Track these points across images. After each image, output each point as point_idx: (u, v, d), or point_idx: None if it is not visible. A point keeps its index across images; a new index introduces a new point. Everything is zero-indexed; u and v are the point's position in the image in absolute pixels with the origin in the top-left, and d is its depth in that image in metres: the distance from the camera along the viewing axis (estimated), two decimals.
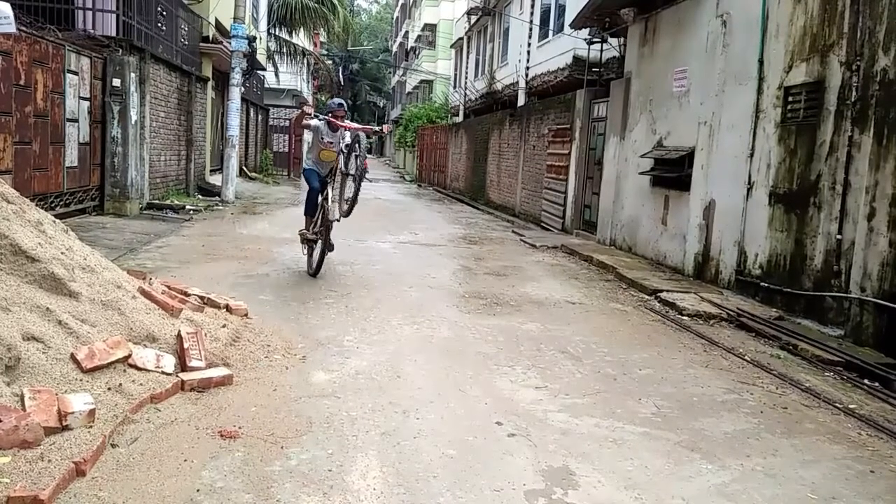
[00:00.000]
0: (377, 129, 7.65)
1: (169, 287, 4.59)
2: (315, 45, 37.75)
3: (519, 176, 16.44)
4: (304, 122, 7.09)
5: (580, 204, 12.54)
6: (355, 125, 7.12)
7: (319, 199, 6.88)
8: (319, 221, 6.85)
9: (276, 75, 27.77)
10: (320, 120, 6.85)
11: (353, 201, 6.61)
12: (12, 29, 4.30)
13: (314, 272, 6.91)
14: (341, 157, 6.68)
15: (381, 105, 61.27)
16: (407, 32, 48.72)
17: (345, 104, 7.11)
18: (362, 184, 6.64)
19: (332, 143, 6.81)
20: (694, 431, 3.61)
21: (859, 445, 3.61)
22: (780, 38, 6.87)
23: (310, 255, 7.13)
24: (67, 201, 9.45)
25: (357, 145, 6.60)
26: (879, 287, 5.34)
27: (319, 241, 6.88)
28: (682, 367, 4.79)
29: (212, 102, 16.89)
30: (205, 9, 15.92)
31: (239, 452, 2.92)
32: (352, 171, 6.58)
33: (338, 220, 6.71)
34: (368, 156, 10.95)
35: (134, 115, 10.63)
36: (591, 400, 3.96)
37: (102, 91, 10.24)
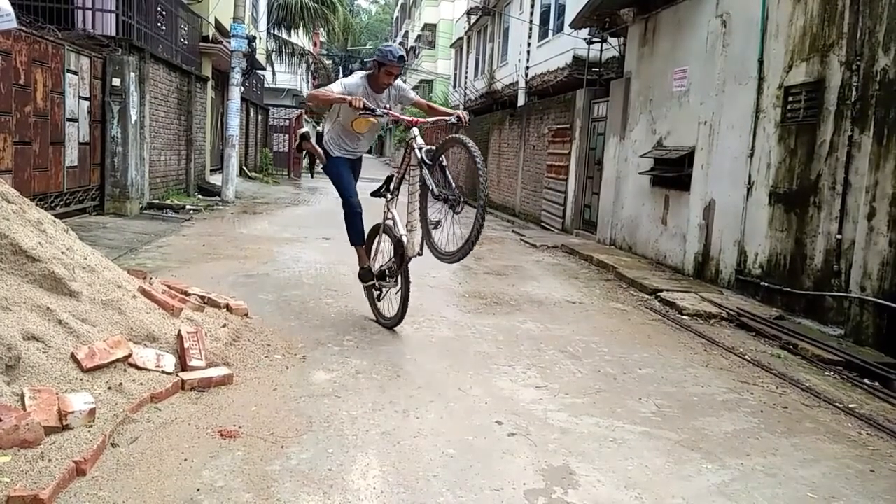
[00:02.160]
0: (449, 117, 4.85)
1: (169, 287, 4.59)
2: (315, 44, 37.77)
3: (519, 175, 16.45)
4: (324, 95, 4.81)
5: (580, 204, 12.55)
6: (412, 96, 5.07)
7: (363, 216, 5.20)
8: (389, 254, 5.12)
9: (273, 75, 27.81)
10: (361, 78, 4.81)
11: (472, 243, 4.42)
12: (14, 24, 4.28)
13: (392, 322, 5.00)
14: (423, 169, 4.48)
15: None
16: (407, 32, 48.76)
17: (406, 58, 4.79)
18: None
19: (373, 109, 4.65)
20: (694, 431, 3.61)
21: (859, 445, 3.61)
22: (779, 37, 6.87)
23: (378, 298, 5.23)
24: (67, 201, 9.45)
25: (468, 149, 4.23)
26: (880, 286, 5.35)
27: (395, 279, 4.98)
28: (683, 366, 4.79)
29: (212, 102, 16.90)
30: (205, 9, 15.94)
31: (239, 452, 2.92)
32: (446, 193, 4.50)
33: (419, 255, 4.80)
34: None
35: (134, 115, 10.63)
36: (591, 399, 3.96)
37: (102, 91, 10.24)
